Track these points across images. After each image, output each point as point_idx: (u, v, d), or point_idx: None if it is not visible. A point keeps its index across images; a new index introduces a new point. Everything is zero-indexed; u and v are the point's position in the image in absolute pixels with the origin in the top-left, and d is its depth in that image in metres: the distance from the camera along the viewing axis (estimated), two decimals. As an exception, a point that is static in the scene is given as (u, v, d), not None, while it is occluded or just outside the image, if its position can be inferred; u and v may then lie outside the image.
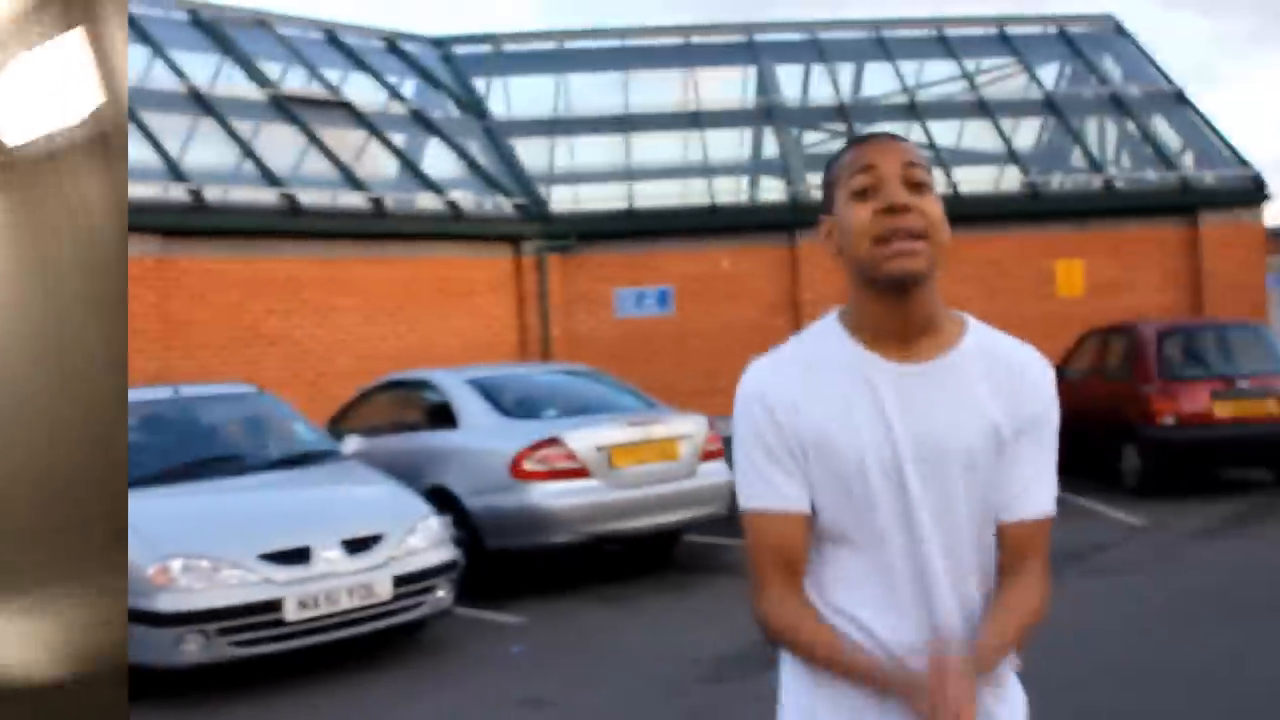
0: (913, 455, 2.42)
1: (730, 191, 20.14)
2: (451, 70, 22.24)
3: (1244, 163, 20.46)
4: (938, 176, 19.93)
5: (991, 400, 2.47)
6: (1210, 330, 15.53)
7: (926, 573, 2.47)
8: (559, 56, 22.88)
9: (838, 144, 21.46)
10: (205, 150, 17.32)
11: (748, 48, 22.93)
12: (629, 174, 20.40)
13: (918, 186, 2.41)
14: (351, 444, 10.20)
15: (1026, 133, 22.14)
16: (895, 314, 2.44)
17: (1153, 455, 14.01)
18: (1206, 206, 19.84)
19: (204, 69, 18.32)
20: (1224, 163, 20.60)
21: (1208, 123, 21.52)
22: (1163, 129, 21.66)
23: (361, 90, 20.15)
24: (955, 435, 2.44)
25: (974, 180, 20.77)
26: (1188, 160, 20.90)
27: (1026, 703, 2.68)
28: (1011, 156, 20.98)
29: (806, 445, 2.45)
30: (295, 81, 19.38)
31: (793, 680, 2.61)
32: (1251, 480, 14.68)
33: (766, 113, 21.67)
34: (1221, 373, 14.29)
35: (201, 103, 17.36)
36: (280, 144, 17.98)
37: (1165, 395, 13.96)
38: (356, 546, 8.37)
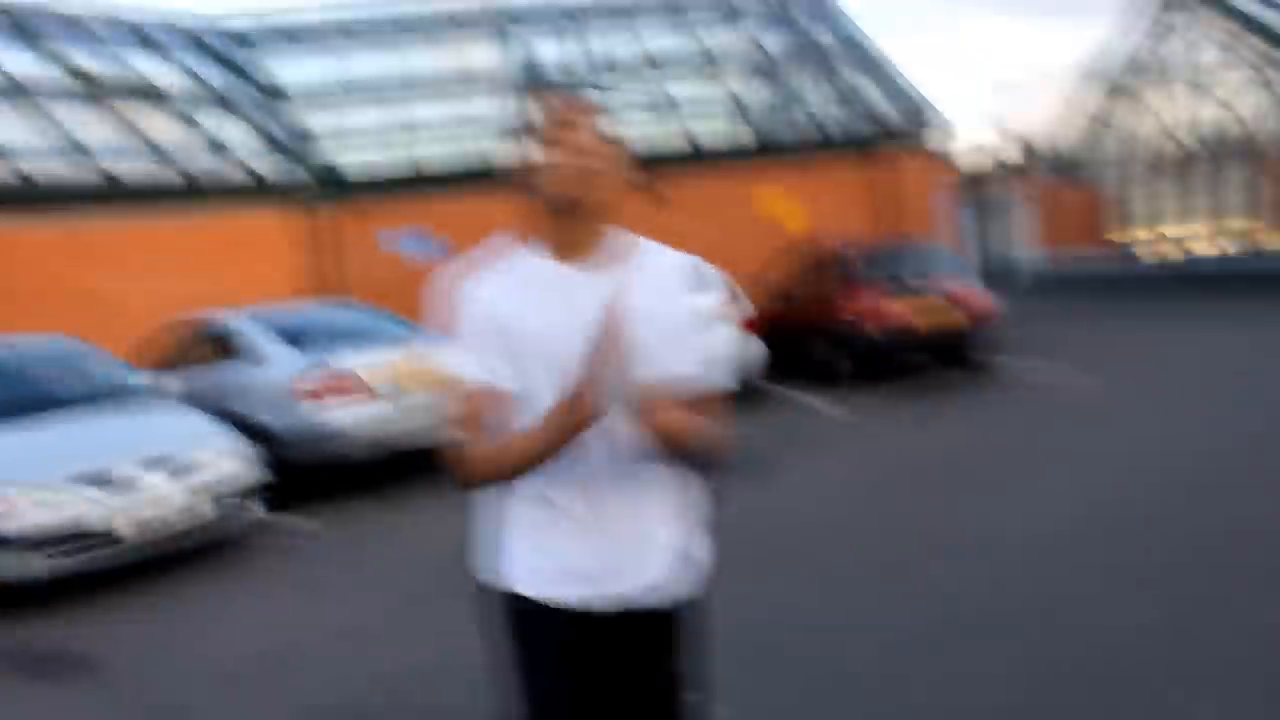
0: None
1: (494, 148, 20.23)
2: (244, 52, 21.91)
3: (926, 105, 21.20)
4: (671, 127, 20.54)
5: (658, 298, 2.64)
6: (903, 249, 16.24)
7: (608, 436, 2.58)
8: (340, 33, 22.70)
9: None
10: (26, 133, 16.98)
11: (507, 20, 23.05)
12: (406, 134, 20.45)
13: (596, 132, 2.58)
14: (158, 380, 10.21)
15: (748, 87, 22.69)
16: (578, 234, 2.61)
17: (858, 356, 14.69)
18: (899, 144, 20.52)
19: (15, 60, 17.89)
20: (911, 105, 21.27)
21: (897, 72, 22.24)
22: (861, 80, 22.25)
23: (164, 74, 19.79)
24: (633, 326, 2.52)
25: (705, 130, 21.16)
26: (882, 105, 21.50)
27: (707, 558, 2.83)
28: (736, 108, 21.52)
29: (510, 334, 2.60)
30: (104, 67, 18.96)
31: (502, 532, 2.76)
32: (941, 374, 15.36)
33: (525, 77, 21.83)
34: (912, 284, 14.93)
35: (16, 87, 16.92)
36: (90, 123, 17.68)
37: (866, 305, 14.61)
38: (156, 464, 8.44)
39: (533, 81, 21.67)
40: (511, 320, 2.62)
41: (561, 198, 2.58)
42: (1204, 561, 6.41)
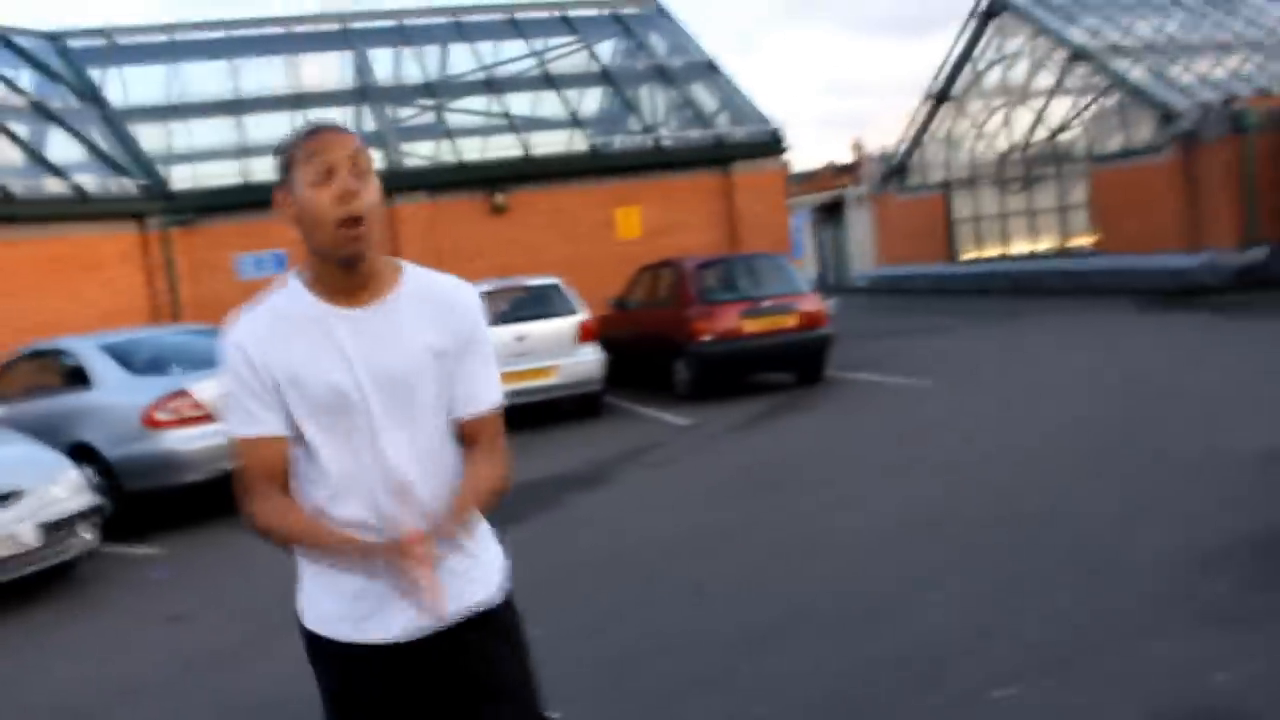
0: (370, 382, 2.60)
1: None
2: (67, 62, 21.39)
3: (766, 120, 21.77)
4: (512, 141, 20.71)
5: (430, 327, 2.65)
6: (739, 261, 16.64)
7: (388, 470, 2.62)
8: (171, 48, 22.31)
9: (428, 118, 21.85)
10: None
11: (343, 35, 22.94)
12: (242, 152, 20.14)
13: (362, 174, 2.55)
14: (-6, 411, 10.08)
15: (588, 101, 22.94)
16: (345, 277, 2.60)
17: (696, 367, 15.04)
18: (737, 158, 21.03)
19: None
20: (751, 120, 21.80)
21: (736, 88, 22.77)
22: (700, 94, 22.74)
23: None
24: (403, 360, 2.62)
25: (545, 143, 21.28)
26: (722, 120, 22.01)
27: (504, 559, 2.87)
28: (576, 122, 21.76)
29: (280, 381, 2.58)
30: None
31: (301, 571, 2.79)
32: (778, 382, 15.89)
33: (363, 92, 21.79)
34: (749, 295, 15.38)
35: None
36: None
37: (704, 317, 14.96)
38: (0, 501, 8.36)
39: (371, 97, 21.64)
40: (278, 365, 2.59)
41: (325, 249, 2.56)
42: (1007, 551, 6.84)
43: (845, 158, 40.65)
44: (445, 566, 2.56)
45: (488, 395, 2.77)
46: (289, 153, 2.61)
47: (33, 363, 12.10)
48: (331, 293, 2.64)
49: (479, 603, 2.74)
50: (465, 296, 2.76)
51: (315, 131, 2.61)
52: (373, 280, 2.65)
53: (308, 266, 2.67)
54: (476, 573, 2.76)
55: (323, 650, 2.74)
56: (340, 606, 2.68)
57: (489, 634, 2.76)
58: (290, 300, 2.67)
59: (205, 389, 10.55)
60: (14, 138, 18.16)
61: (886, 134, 65.58)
